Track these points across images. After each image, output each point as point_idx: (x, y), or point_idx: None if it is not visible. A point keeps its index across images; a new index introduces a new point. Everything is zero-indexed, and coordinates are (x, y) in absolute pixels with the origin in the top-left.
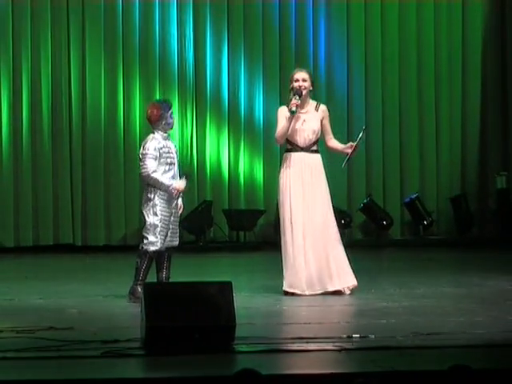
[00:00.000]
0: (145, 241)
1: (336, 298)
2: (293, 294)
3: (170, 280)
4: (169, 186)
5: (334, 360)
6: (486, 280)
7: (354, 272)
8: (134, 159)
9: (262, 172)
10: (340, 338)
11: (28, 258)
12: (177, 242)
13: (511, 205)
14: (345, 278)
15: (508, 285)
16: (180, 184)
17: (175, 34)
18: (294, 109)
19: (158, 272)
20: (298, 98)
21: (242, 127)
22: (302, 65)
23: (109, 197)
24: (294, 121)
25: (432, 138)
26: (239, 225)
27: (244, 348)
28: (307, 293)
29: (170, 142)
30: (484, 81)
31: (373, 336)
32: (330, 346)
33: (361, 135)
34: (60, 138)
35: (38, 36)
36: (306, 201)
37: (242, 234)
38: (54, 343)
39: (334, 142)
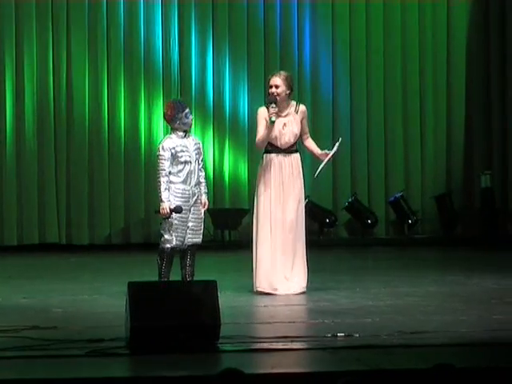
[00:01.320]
0: (161, 238)
1: (321, 296)
2: (265, 293)
3: (194, 277)
4: (160, 201)
5: (318, 359)
6: (471, 279)
7: (308, 276)
8: (118, 158)
9: (246, 171)
10: (325, 336)
11: (13, 257)
12: (199, 240)
13: (495, 204)
14: (300, 282)
15: (492, 283)
16: (164, 209)
17: (160, 33)
18: (273, 118)
19: (181, 269)
20: (273, 105)
21: (226, 126)
22: (286, 64)
23: (93, 195)
24: (274, 125)
25: (417, 137)
26: (224, 224)
27: (229, 347)
28: (276, 292)
29: (188, 140)
30: (468, 79)
31: (357, 335)
32: (314, 345)
33: (336, 147)
34: (45, 136)
35: (22, 34)
36: (281, 202)
37: (226, 232)
38: (38, 342)
39: (310, 143)
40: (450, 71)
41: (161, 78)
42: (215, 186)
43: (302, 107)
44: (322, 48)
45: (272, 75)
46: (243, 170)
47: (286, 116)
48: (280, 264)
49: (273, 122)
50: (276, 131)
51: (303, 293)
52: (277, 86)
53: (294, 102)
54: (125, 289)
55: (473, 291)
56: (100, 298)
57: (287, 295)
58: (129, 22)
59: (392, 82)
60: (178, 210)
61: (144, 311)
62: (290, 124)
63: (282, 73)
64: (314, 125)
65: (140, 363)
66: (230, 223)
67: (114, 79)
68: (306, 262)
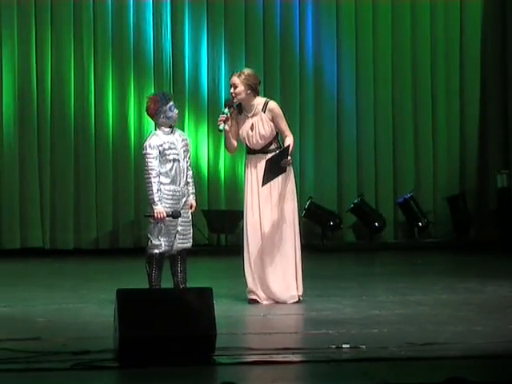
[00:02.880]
0: (149, 243)
1: (324, 305)
2: (255, 302)
3: (187, 284)
4: (152, 203)
5: (322, 372)
6: (485, 286)
7: (304, 283)
8: (106, 156)
9: (243, 170)
10: (329, 348)
11: None
12: (189, 244)
13: None
14: (295, 289)
15: (508, 291)
16: (160, 212)
17: (151, 19)
18: (220, 127)
19: (172, 276)
20: (227, 110)
21: None
22: (287, 54)
23: (79, 196)
24: (242, 125)
25: (428, 133)
26: (219, 227)
27: (225, 359)
28: (264, 302)
29: (174, 136)
30: (483, 76)
31: (364, 346)
32: (317, 358)
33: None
34: (26, 133)
35: (0, 19)
36: (258, 204)
37: (222, 236)
38: (19, 354)
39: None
40: (463, 66)
41: (152, 69)
42: (210, 185)
43: (271, 104)
44: (326, 40)
45: (232, 74)
46: (240, 169)
47: (252, 116)
48: (262, 270)
49: (221, 131)
50: (244, 133)
51: (297, 302)
52: (235, 86)
53: (262, 100)
54: (113, 297)
55: (488, 299)
56: (86, 307)
57: (286, 304)
58: (117, 8)
59: (401, 76)
60: (175, 215)
61: (134, 320)
62: (256, 125)
63: (245, 71)
64: (318, 124)
65: (129, 377)
66: (226, 226)
67: (101, 70)
68: (301, 267)
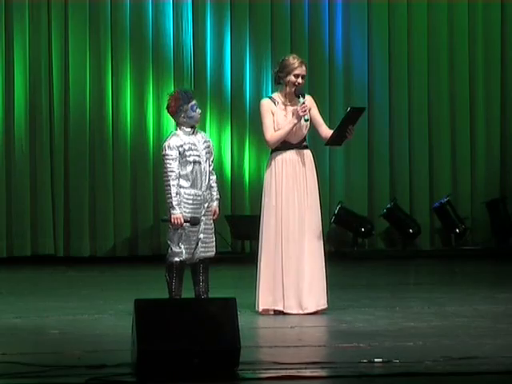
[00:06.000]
0: (169, 251)
1: (355, 316)
2: (272, 313)
3: (209, 294)
4: (170, 208)
5: None
6: None
7: (327, 292)
8: (123, 158)
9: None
10: (360, 362)
11: (2, 270)
12: (212, 253)
13: None
14: (319, 299)
15: None
16: (177, 218)
17: (170, 13)
18: (306, 117)
19: (194, 286)
20: (302, 99)
21: (247, 122)
22: (316, 50)
23: (95, 201)
24: (280, 117)
25: (466, 134)
26: (244, 233)
27: (250, 374)
28: (285, 311)
29: (196, 137)
30: None
31: (397, 361)
32: (348, 372)
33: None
34: (38, 135)
35: (11, 13)
36: (298, 206)
37: (247, 243)
38: (31, 369)
39: (329, 132)
40: (504, 66)
41: (172, 66)
42: (234, 190)
43: (307, 96)
44: (356, 34)
45: (299, 62)
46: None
47: (292, 105)
48: (295, 279)
49: (306, 120)
50: (285, 122)
51: (326, 313)
52: (304, 77)
53: None
54: (131, 307)
55: None
56: (102, 318)
57: (314, 315)
58: (135, 2)
59: (438, 70)
60: (194, 221)
61: (153, 333)
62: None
63: (305, 62)
64: None
65: None
66: (251, 232)
67: (119, 68)
68: (326, 275)
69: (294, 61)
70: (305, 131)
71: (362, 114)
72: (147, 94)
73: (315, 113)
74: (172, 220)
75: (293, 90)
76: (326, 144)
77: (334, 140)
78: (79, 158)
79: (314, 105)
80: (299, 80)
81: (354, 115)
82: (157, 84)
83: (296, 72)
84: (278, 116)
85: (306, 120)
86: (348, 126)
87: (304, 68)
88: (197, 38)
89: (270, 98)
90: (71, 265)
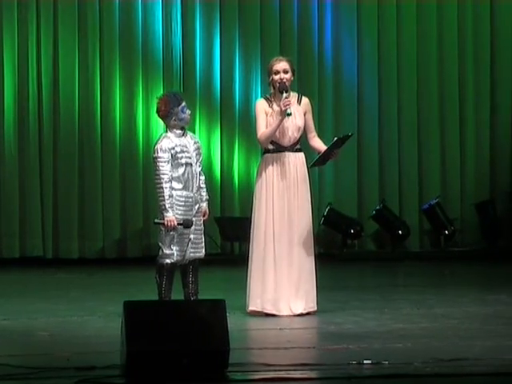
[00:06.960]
0: (160, 252)
1: (344, 318)
2: (262, 314)
3: (198, 296)
4: (164, 210)
5: None
6: None
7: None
8: (112, 159)
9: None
10: (349, 364)
11: None
12: (202, 254)
13: None
14: (308, 301)
15: None
16: (171, 221)
17: (160, 14)
18: (289, 111)
19: (183, 288)
20: (286, 95)
21: (236, 123)
22: (305, 51)
23: (84, 202)
24: (275, 118)
25: (455, 135)
26: (233, 235)
27: (239, 376)
28: (274, 312)
29: (186, 139)
30: None
31: (387, 362)
32: (337, 374)
33: (335, 140)
34: (27, 135)
35: (2, 20)
36: (287, 210)
37: (236, 244)
38: (21, 371)
39: (316, 142)
40: (493, 66)
41: (161, 67)
42: (224, 191)
43: (305, 99)
44: (346, 34)
45: (276, 60)
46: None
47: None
48: (285, 281)
49: (289, 115)
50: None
51: (315, 315)
52: (285, 71)
53: (294, 93)
54: (120, 309)
55: None
56: (92, 320)
57: (304, 316)
58: (124, 3)
59: (427, 71)
60: (187, 224)
61: (142, 334)
62: (293, 116)
63: (286, 57)
64: (337, 126)
65: None
66: (241, 234)
67: (108, 69)
68: (316, 277)
69: (272, 61)
70: (297, 134)
71: (348, 139)
72: (136, 94)
73: (308, 117)
74: (165, 223)
75: (277, 87)
76: (310, 167)
77: (319, 163)
78: (68, 159)
79: (310, 109)
80: (280, 76)
81: (340, 142)
82: (146, 85)
83: (274, 69)
84: (271, 116)
85: (288, 114)
86: (333, 150)
87: (283, 63)
88: (186, 39)
89: (266, 98)
90: (60, 266)
